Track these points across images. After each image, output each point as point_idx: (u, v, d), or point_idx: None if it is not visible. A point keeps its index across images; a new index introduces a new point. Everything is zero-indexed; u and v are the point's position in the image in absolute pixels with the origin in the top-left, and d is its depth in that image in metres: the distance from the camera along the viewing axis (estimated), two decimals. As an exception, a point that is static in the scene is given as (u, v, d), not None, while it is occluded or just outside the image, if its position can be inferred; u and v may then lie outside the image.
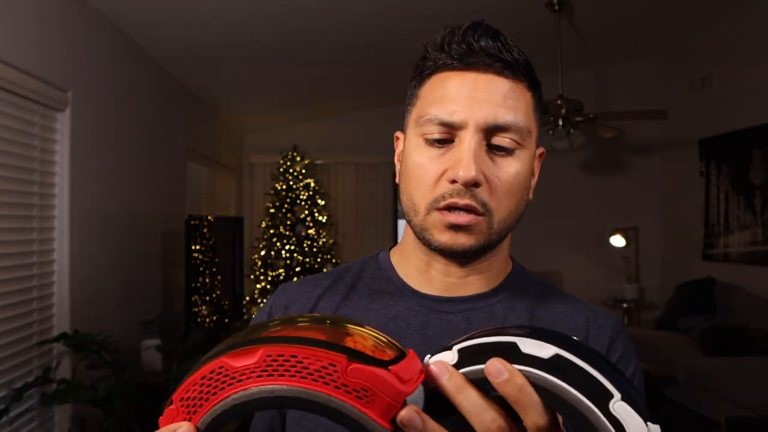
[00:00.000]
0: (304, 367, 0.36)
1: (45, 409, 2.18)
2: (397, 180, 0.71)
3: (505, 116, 0.61)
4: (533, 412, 0.37)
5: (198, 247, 3.44)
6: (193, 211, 4.02)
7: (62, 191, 2.31)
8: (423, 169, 0.63)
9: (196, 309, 3.42)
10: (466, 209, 0.61)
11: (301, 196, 5.14)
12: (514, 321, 0.65)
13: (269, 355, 0.37)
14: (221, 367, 0.37)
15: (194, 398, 0.38)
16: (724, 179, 4.34)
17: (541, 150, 0.71)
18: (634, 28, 4.18)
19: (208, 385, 0.38)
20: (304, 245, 5.09)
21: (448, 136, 0.62)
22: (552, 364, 0.37)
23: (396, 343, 0.41)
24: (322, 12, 2.98)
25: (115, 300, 2.74)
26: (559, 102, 3.46)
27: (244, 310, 4.58)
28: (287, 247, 5.08)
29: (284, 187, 5.15)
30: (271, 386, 0.36)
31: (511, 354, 0.38)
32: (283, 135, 5.37)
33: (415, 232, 0.65)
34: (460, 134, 0.62)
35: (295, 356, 0.36)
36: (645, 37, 4.51)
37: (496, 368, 0.37)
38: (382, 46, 3.50)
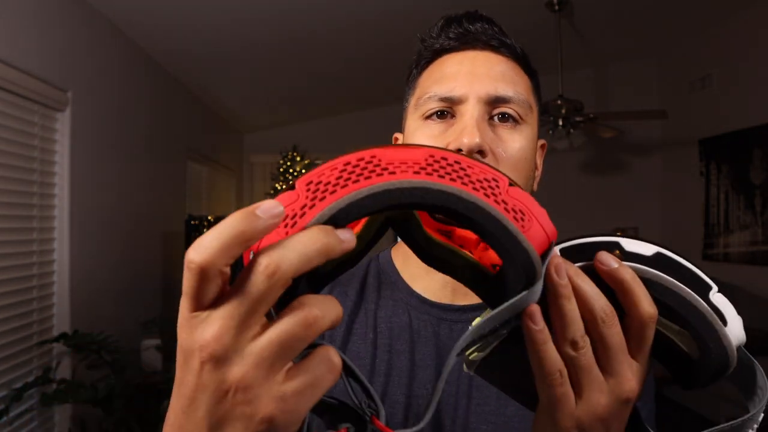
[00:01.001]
0: (466, 174, 0.33)
1: (45, 409, 2.18)
2: None
3: (506, 89, 0.60)
4: (645, 300, 0.36)
5: (198, 247, 3.44)
6: (193, 211, 4.02)
7: (62, 191, 2.31)
8: None
9: (196, 309, 3.42)
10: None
11: (301, 196, 5.14)
12: None
13: (432, 155, 0.33)
14: (374, 157, 0.32)
15: (328, 183, 0.31)
16: (724, 179, 4.34)
17: (542, 142, 0.70)
18: (634, 28, 4.17)
19: (351, 172, 0.32)
20: (304, 245, 5.08)
21: (448, 110, 0.61)
22: (655, 260, 0.38)
23: None
24: (323, 12, 2.98)
25: (115, 300, 2.74)
26: (559, 102, 3.46)
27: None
28: (287, 247, 5.08)
29: (284, 187, 5.13)
30: (430, 182, 0.32)
31: (615, 251, 0.39)
32: (283, 135, 5.37)
33: None
34: (460, 108, 0.61)
35: (459, 162, 0.33)
36: (645, 37, 4.51)
37: (605, 258, 0.37)
38: (383, 46, 3.50)
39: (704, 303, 0.37)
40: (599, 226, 5.16)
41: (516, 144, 0.61)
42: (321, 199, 0.31)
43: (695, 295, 0.37)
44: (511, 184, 0.34)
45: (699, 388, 0.40)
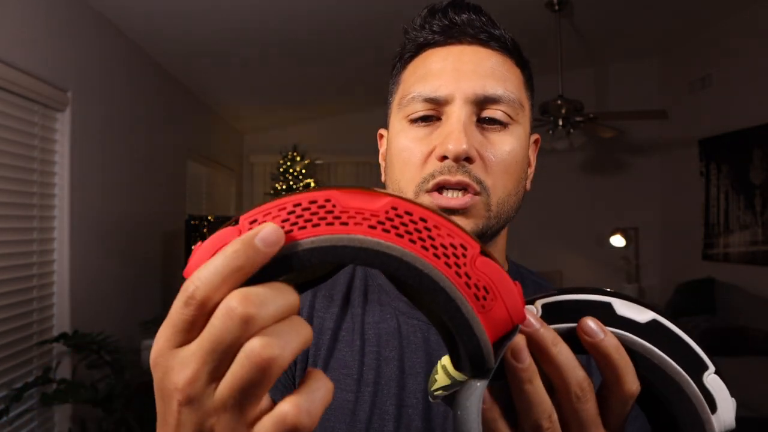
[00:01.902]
0: (430, 237, 0.29)
1: (45, 409, 2.18)
2: (383, 178, 0.65)
3: (495, 87, 0.56)
4: (628, 377, 0.34)
5: (198, 247, 3.43)
6: (193, 211, 4.02)
7: (62, 191, 2.31)
8: (408, 151, 0.57)
9: (196, 309, 3.42)
10: (460, 188, 0.54)
11: (301, 196, 5.14)
12: None
13: (395, 207, 0.29)
14: (328, 200, 0.29)
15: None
16: (724, 179, 4.34)
17: (536, 137, 0.66)
18: (634, 28, 4.17)
19: (300, 216, 0.29)
20: (304, 245, 5.08)
21: (434, 113, 0.57)
22: (649, 330, 0.35)
23: None
24: (323, 12, 2.98)
25: (115, 300, 2.74)
26: (559, 102, 3.46)
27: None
28: (287, 247, 5.07)
29: (284, 187, 5.15)
30: (386, 242, 0.28)
31: (605, 315, 0.35)
32: (283, 135, 5.37)
33: None
34: (446, 110, 0.56)
35: (425, 220, 0.29)
36: (645, 37, 4.51)
37: (590, 327, 0.34)
38: (382, 46, 3.50)
39: (694, 386, 0.34)
40: (599, 227, 5.16)
41: (506, 147, 0.57)
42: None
43: (686, 375, 0.34)
44: (483, 252, 0.30)
45: None
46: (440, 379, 0.36)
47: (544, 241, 5.01)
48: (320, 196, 0.29)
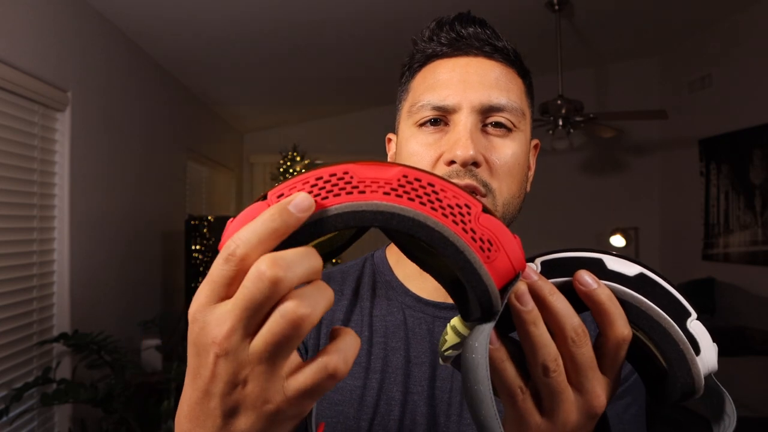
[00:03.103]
0: (438, 199, 0.33)
1: (45, 409, 2.18)
2: None
3: (499, 97, 0.60)
4: (620, 322, 0.37)
5: (198, 247, 3.44)
6: (193, 211, 4.02)
7: (62, 191, 2.31)
8: (418, 156, 0.62)
9: (196, 309, 3.42)
10: (468, 191, 0.58)
11: (301, 196, 5.14)
12: None
13: (405, 176, 0.33)
14: (346, 173, 0.33)
15: None
16: (724, 179, 4.34)
17: (535, 141, 0.70)
18: (634, 28, 4.18)
19: (322, 188, 0.32)
20: (304, 245, 5.09)
21: (441, 118, 0.61)
22: (637, 282, 0.38)
23: None
24: (323, 12, 2.98)
25: (115, 300, 2.74)
26: (559, 102, 3.46)
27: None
28: (287, 247, 5.08)
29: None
30: (397, 206, 0.32)
31: (597, 269, 0.39)
32: (283, 135, 5.37)
33: None
34: (454, 118, 0.61)
35: (432, 185, 0.33)
36: (645, 37, 4.51)
37: (584, 278, 0.37)
38: (382, 46, 3.50)
39: (679, 330, 0.37)
40: (599, 227, 5.16)
41: (509, 151, 0.61)
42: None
43: (671, 321, 0.37)
44: (485, 210, 0.34)
45: (667, 406, 0.41)
46: (450, 338, 0.39)
47: (544, 241, 5.00)
48: (339, 169, 0.33)
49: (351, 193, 0.32)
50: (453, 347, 0.40)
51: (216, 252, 3.66)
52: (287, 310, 0.29)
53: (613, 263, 0.39)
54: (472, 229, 0.33)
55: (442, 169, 0.60)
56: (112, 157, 2.75)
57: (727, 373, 3.34)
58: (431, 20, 0.66)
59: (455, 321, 0.39)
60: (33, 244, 2.15)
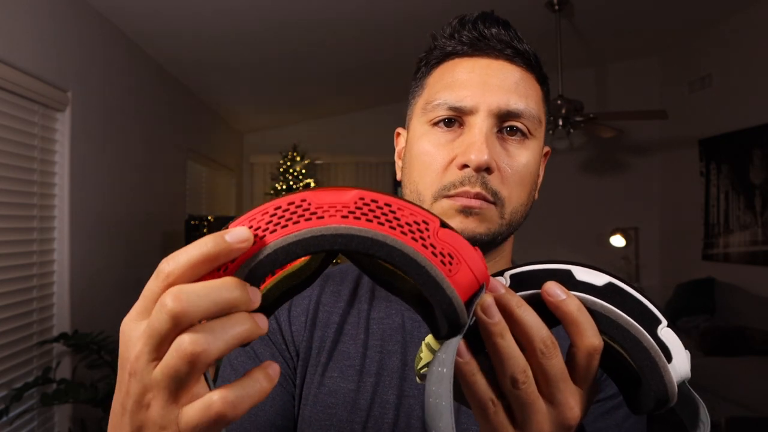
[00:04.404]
0: (396, 218, 0.33)
1: (45, 409, 2.18)
2: (398, 177, 0.68)
3: (518, 103, 0.59)
4: (590, 332, 0.37)
5: (198, 247, 3.44)
6: (193, 211, 4.02)
7: (62, 191, 2.31)
8: (430, 156, 0.60)
9: (196, 309, 3.42)
10: (478, 199, 0.58)
11: (301, 196, 5.14)
12: None
13: (362, 198, 0.33)
14: (304, 200, 0.33)
15: (258, 228, 0.32)
16: (724, 179, 4.34)
17: (546, 149, 0.69)
18: (634, 28, 4.18)
19: (281, 216, 0.33)
20: (304, 245, 5.08)
21: (456, 118, 0.60)
22: (606, 291, 0.38)
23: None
24: (322, 12, 2.98)
25: (115, 300, 2.74)
26: (559, 102, 3.46)
27: (244, 310, 4.57)
28: (287, 247, 5.07)
29: (284, 187, 5.15)
30: (355, 227, 0.32)
31: (566, 280, 0.39)
32: (283, 135, 5.37)
33: None
34: (470, 119, 0.59)
35: (389, 204, 0.33)
36: (645, 37, 4.51)
37: (553, 289, 0.37)
38: (382, 46, 3.50)
39: (650, 338, 0.37)
40: (599, 227, 5.16)
41: (523, 159, 0.60)
42: (253, 243, 0.32)
43: (641, 329, 0.37)
44: (443, 225, 0.34)
45: (643, 413, 0.40)
46: (425, 356, 0.40)
47: (544, 241, 5.00)
48: (297, 197, 0.33)
49: (310, 219, 0.32)
50: (427, 365, 0.39)
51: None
52: (180, 346, 0.29)
53: (582, 274, 0.39)
54: (431, 245, 0.33)
55: (454, 173, 0.58)
56: (112, 157, 2.75)
57: (728, 373, 3.34)
58: (454, 17, 0.64)
59: (429, 338, 0.39)
60: (33, 244, 2.15)
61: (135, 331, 0.31)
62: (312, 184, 5.19)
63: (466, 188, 0.57)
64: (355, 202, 0.33)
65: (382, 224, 0.33)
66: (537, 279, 0.39)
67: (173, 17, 2.81)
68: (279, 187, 5.15)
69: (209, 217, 3.65)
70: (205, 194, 4.45)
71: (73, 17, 2.37)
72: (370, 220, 0.33)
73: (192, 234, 3.40)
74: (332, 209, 0.33)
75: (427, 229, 0.33)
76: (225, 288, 0.30)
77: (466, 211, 0.57)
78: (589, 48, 4.49)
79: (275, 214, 0.33)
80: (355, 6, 2.98)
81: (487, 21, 0.62)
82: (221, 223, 3.90)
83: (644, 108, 4.72)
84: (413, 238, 0.33)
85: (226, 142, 5.04)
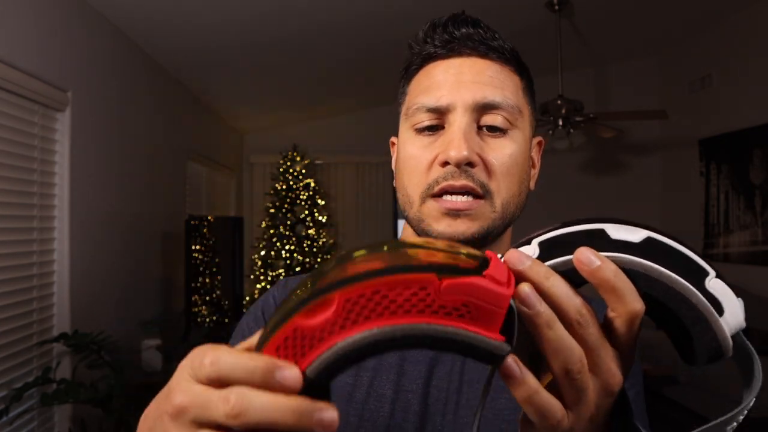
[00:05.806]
0: (391, 301, 0.30)
1: (45, 409, 2.18)
2: (394, 184, 0.69)
3: (494, 95, 0.60)
4: (630, 297, 0.35)
5: (198, 247, 3.44)
6: (193, 211, 4.02)
7: (62, 191, 2.31)
8: (415, 159, 0.62)
9: (196, 309, 3.43)
10: (464, 192, 0.58)
11: (301, 196, 5.14)
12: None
13: (348, 300, 0.30)
14: (295, 330, 0.31)
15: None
16: (724, 179, 4.34)
17: (539, 138, 0.69)
18: (634, 28, 4.18)
19: (285, 355, 0.31)
20: (304, 245, 5.09)
21: (437, 122, 0.61)
22: (644, 248, 0.35)
23: (468, 247, 0.34)
24: (322, 12, 2.98)
25: (115, 300, 2.74)
26: (559, 102, 3.46)
27: (244, 310, 4.57)
28: (287, 247, 5.08)
29: (284, 187, 5.15)
30: (359, 335, 0.30)
31: (600, 241, 0.36)
32: (283, 135, 5.37)
33: (412, 227, 0.64)
34: (449, 118, 0.60)
35: (377, 292, 0.30)
36: (645, 37, 4.52)
37: (585, 256, 0.35)
38: (382, 46, 3.50)
39: (697, 293, 0.35)
40: (599, 226, 5.16)
41: (507, 150, 0.60)
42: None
43: (687, 284, 0.35)
44: (440, 277, 0.30)
45: (698, 366, 0.38)
46: None
47: (544, 241, 5.01)
48: (288, 330, 0.31)
49: (313, 347, 0.31)
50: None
51: (216, 252, 3.68)
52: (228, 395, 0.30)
53: (617, 231, 0.36)
54: (441, 306, 0.30)
55: (437, 171, 0.59)
56: (112, 157, 2.75)
57: (727, 373, 3.34)
58: (425, 23, 0.66)
59: None
60: (33, 244, 2.15)
61: (187, 383, 0.33)
62: (312, 184, 5.19)
63: (450, 182, 0.58)
64: (344, 307, 0.30)
65: (381, 315, 0.30)
66: (569, 243, 0.36)
67: (173, 17, 2.81)
68: (279, 187, 5.15)
69: (209, 217, 3.65)
70: (205, 194, 4.45)
71: (73, 17, 2.37)
72: (368, 318, 0.30)
73: (192, 234, 3.40)
74: (327, 326, 0.30)
75: (428, 294, 0.30)
76: (296, 406, 0.29)
77: (453, 214, 0.58)
78: (589, 48, 4.50)
79: (278, 355, 0.31)
80: (356, 6, 2.98)
81: (456, 22, 0.63)
82: (221, 222, 3.90)
83: (644, 108, 4.73)
84: (419, 311, 0.30)
85: (226, 142, 5.05)
